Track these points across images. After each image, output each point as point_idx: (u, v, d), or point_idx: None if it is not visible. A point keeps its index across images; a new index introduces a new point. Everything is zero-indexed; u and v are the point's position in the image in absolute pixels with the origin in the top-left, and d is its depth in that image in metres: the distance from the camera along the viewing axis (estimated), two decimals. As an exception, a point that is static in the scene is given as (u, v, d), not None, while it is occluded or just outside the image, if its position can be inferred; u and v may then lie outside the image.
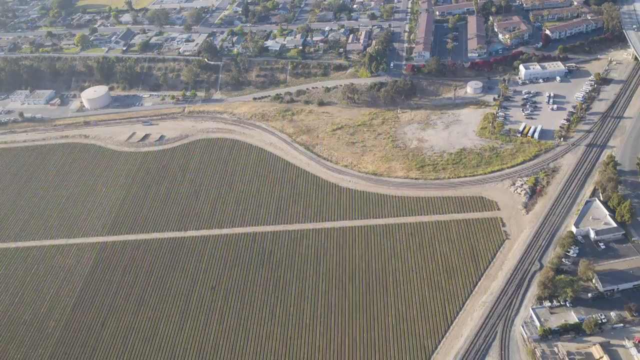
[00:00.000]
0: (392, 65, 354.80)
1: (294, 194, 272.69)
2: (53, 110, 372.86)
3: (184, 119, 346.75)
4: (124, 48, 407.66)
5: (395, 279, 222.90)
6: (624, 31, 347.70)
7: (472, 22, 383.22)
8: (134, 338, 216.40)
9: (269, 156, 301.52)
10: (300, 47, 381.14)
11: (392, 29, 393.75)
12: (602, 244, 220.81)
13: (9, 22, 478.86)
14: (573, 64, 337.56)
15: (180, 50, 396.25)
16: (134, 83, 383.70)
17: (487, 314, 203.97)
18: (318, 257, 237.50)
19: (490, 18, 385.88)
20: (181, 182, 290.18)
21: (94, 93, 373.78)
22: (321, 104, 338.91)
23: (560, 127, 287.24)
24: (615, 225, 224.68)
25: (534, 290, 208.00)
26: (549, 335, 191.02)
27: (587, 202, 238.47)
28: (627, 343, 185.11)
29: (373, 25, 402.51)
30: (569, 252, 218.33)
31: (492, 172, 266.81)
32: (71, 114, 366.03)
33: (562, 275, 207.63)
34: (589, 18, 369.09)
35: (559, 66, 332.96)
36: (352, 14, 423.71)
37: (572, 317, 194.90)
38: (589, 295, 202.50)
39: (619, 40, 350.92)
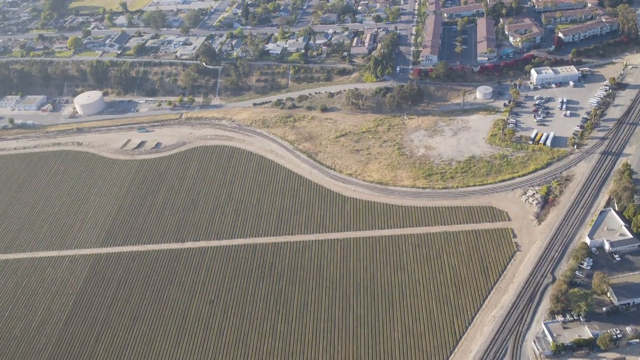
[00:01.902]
0: (398, 69, 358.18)
1: (296, 203, 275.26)
2: (45, 116, 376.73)
3: (181, 125, 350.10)
4: (119, 52, 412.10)
5: (402, 292, 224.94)
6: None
7: (481, 24, 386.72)
8: (128, 354, 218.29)
9: (269, 164, 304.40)
10: (303, 51, 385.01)
11: (398, 31, 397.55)
12: (617, 255, 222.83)
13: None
14: (587, 68, 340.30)
15: (177, 53, 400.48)
16: (129, 88, 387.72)
17: (497, 328, 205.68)
18: (321, 270, 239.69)
19: (501, 20, 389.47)
20: (178, 192, 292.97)
21: (87, 98, 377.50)
22: (324, 109, 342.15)
23: (573, 134, 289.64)
24: (631, 236, 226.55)
25: (546, 304, 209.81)
26: (561, 351, 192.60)
27: (601, 212, 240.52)
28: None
29: (378, 28, 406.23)
30: (582, 264, 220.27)
31: (503, 181, 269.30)
32: (64, 120, 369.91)
33: (576, 289, 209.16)
34: (604, 20, 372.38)
35: (572, 70, 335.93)
36: (356, 16, 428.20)
37: (586, 332, 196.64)
38: (604, 309, 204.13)
39: (635, 43, 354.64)
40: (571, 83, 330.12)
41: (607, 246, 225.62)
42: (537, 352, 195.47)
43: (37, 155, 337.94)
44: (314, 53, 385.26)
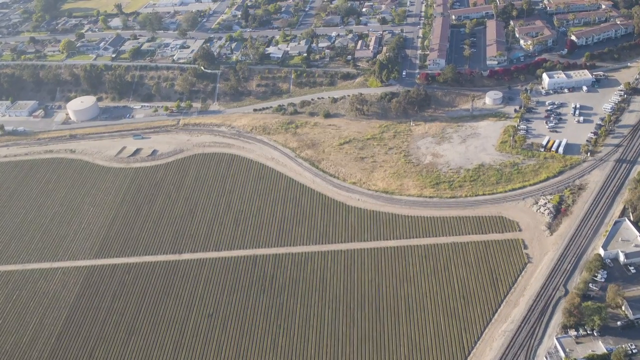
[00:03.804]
0: (404, 73, 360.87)
1: (298, 213, 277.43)
2: (36, 122, 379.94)
3: (178, 132, 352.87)
4: (114, 55, 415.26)
5: (408, 305, 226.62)
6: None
7: (491, 26, 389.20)
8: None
9: (270, 172, 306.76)
10: (305, 54, 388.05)
11: (404, 34, 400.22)
12: (632, 267, 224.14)
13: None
14: (601, 73, 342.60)
15: (174, 57, 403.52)
16: (124, 93, 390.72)
17: (507, 343, 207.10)
18: (324, 282, 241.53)
19: (511, 22, 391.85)
20: (175, 201, 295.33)
21: (80, 104, 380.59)
22: (327, 115, 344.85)
23: (587, 141, 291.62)
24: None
25: (558, 318, 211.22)
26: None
27: (616, 222, 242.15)
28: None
29: (384, 31, 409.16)
30: (596, 276, 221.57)
31: (513, 189, 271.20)
32: (56, 127, 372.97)
33: (589, 302, 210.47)
34: (618, 23, 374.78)
35: (585, 75, 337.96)
36: (361, 18, 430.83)
37: (600, 347, 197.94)
38: (618, 323, 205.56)
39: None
40: (584, 88, 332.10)
41: (621, 258, 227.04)
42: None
43: (28, 163, 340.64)
44: (317, 57, 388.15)
